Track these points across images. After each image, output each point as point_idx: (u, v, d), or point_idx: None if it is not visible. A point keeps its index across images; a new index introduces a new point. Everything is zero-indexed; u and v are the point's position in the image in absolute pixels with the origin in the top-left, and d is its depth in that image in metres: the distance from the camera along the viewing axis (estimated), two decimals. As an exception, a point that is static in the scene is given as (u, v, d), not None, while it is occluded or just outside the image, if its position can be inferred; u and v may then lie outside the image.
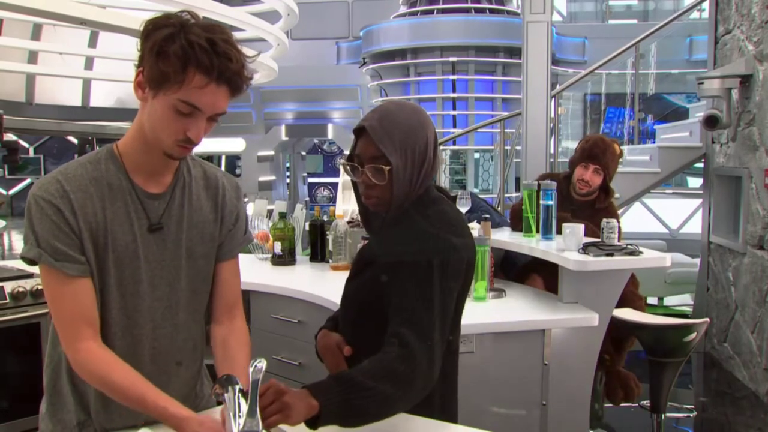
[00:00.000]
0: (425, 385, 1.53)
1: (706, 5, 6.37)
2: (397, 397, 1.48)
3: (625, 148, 7.12)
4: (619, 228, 3.14)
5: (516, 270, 3.60)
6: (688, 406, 4.71)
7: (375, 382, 1.45)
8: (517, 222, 3.54)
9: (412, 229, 1.64)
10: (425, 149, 1.66)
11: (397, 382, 1.47)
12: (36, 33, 11.19)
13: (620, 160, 3.91)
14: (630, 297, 3.53)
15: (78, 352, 1.53)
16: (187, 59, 1.42)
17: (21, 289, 3.40)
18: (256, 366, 1.35)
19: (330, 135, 16.74)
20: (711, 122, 5.20)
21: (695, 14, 10.75)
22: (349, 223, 3.69)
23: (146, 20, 1.48)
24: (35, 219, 1.50)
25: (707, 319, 3.41)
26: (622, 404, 3.76)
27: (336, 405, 1.41)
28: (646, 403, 3.76)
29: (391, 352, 1.50)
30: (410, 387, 1.50)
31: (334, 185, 16.93)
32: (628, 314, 3.46)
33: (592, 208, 3.67)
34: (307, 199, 18.32)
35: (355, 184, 1.76)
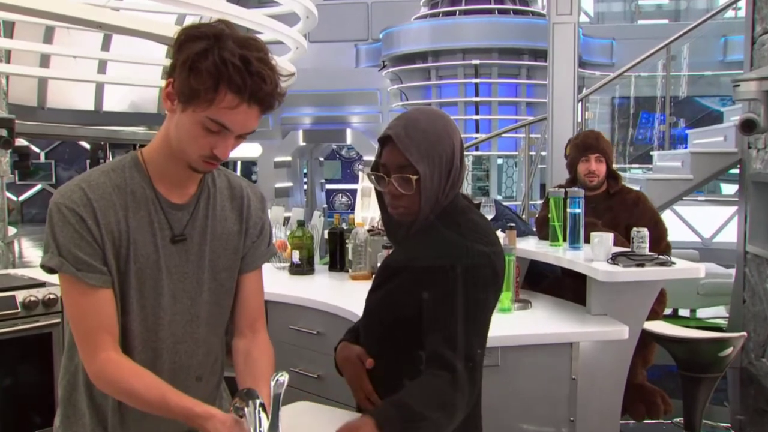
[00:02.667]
0: (469, 404, 1.59)
1: (742, 4, 6.34)
2: (447, 423, 1.54)
3: (655, 153, 7.08)
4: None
5: (547, 282, 3.59)
6: (725, 425, 4.66)
7: (431, 411, 1.51)
8: (543, 230, 3.55)
9: (442, 239, 1.65)
10: (452, 157, 1.68)
11: (448, 409, 1.53)
12: (48, 36, 11.32)
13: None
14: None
15: (96, 362, 1.54)
16: (220, 78, 1.42)
17: (33, 299, 3.43)
18: (278, 380, 1.36)
19: (349, 140, 16.79)
20: (747, 126, 5.15)
21: (730, 13, 10.66)
22: (369, 231, 3.70)
23: (180, 29, 1.49)
24: (57, 227, 1.51)
25: (744, 333, 3.37)
26: (654, 420, 3.72)
27: None
28: (680, 420, 3.72)
29: (438, 375, 1.53)
30: (459, 412, 1.56)
31: (353, 192, 16.96)
32: (659, 327, 3.44)
33: (610, 198, 3.73)
34: (325, 206, 18.37)
35: (379, 194, 1.77)
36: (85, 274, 1.51)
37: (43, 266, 1.54)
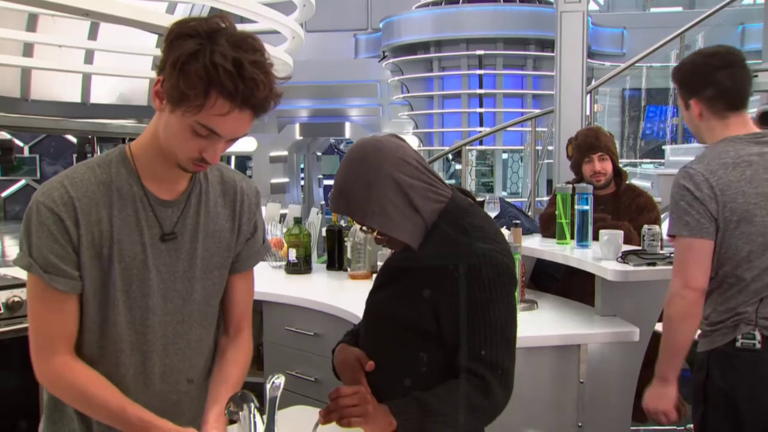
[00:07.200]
0: (500, 411, 1.64)
1: (759, -9, 6.33)
2: (471, 425, 1.61)
3: (668, 147, 7.08)
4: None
5: (557, 285, 3.59)
6: None
7: (453, 410, 1.56)
8: (549, 228, 3.55)
9: (447, 240, 1.66)
10: (397, 186, 1.66)
11: (473, 412, 1.59)
12: (32, 23, 11.30)
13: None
14: None
15: (51, 365, 1.56)
16: (210, 83, 1.40)
17: (16, 299, 3.43)
18: (273, 383, 1.37)
19: (347, 134, 16.81)
20: (766, 119, 5.15)
21: (748, 0, 10.63)
22: (368, 229, 3.70)
23: (172, 24, 1.47)
24: (33, 226, 1.52)
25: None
26: (667, 426, 3.72)
27: (413, 427, 1.53)
28: (692, 426, 3.72)
29: (467, 380, 1.59)
30: (486, 417, 1.64)
31: (351, 188, 16.91)
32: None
33: (617, 199, 3.72)
34: (323, 202, 18.39)
35: None
36: (53, 278, 1.52)
37: (15, 262, 1.57)
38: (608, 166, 3.70)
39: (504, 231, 3.27)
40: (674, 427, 3.91)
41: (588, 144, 3.71)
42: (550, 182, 7.01)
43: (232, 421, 1.57)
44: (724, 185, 2.19)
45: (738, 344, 2.21)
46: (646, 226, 3.09)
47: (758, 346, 2.19)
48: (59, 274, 1.52)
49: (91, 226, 1.54)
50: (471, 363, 1.59)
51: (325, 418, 1.56)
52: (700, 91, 2.36)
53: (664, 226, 3.88)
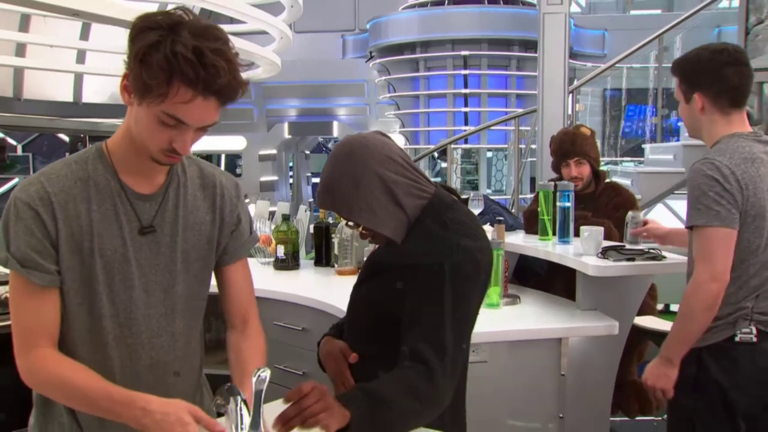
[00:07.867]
0: (445, 399, 1.60)
1: (734, -6, 6.35)
2: (420, 412, 1.56)
3: (647, 146, 7.11)
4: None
5: (537, 279, 3.60)
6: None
7: (400, 397, 1.52)
8: (532, 226, 3.55)
9: (427, 235, 1.67)
10: (382, 183, 1.66)
11: (419, 398, 1.54)
12: (24, 24, 11.23)
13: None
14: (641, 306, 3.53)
15: (31, 356, 1.56)
16: (171, 72, 1.40)
17: (8, 295, 3.41)
18: (259, 376, 1.37)
19: (335, 133, 16.80)
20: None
21: (724, 3, 10.68)
22: (355, 225, 3.70)
23: (135, 18, 1.47)
24: (11, 222, 1.52)
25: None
26: (645, 417, 3.75)
27: (366, 417, 1.48)
28: (670, 416, 3.75)
29: (410, 367, 1.56)
30: (433, 403, 1.58)
31: (339, 186, 16.90)
32: (648, 322, 3.46)
33: (596, 199, 3.71)
34: (311, 200, 18.37)
35: None
36: (31, 272, 1.52)
37: None
38: (585, 170, 3.67)
39: (488, 228, 3.28)
40: (653, 418, 3.95)
41: (564, 150, 3.68)
42: (533, 180, 7.04)
43: (219, 414, 1.57)
44: (748, 180, 2.21)
45: (737, 339, 2.26)
46: (630, 213, 3.10)
47: (754, 339, 2.25)
48: (37, 268, 1.52)
49: (70, 221, 1.54)
50: (416, 344, 1.57)
51: (287, 426, 1.43)
52: (707, 86, 2.33)
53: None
